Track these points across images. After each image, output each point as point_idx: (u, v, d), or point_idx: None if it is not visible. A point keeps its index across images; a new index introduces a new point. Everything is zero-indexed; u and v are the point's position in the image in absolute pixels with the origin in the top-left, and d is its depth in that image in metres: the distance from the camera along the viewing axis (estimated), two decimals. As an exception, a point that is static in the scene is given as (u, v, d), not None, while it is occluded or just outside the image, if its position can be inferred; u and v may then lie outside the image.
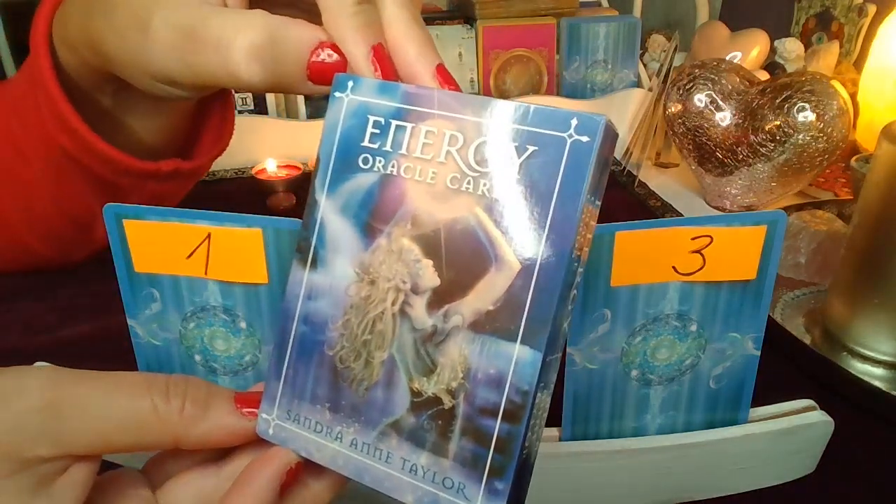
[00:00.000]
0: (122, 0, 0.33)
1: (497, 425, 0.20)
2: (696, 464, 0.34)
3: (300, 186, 0.66)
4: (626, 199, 0.68)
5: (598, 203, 0.20)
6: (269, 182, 0.65)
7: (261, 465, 0.23)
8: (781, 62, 0.85)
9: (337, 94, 0.23)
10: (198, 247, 0.30)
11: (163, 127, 0.44)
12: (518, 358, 0.20)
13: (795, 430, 0.33)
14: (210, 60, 0.29)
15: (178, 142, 0.46)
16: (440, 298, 0.21)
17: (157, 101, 0.40)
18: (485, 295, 0.20)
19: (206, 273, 0.31)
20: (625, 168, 0.72)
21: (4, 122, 0.44)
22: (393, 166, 0.22)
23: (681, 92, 0.63)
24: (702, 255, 0.30)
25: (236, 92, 0.78)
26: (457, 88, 0.24)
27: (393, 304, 0.21)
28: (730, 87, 0.62)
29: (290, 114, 0.80)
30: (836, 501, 0.35)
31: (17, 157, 0.44)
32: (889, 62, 0.70)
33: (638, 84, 0.85)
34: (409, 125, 0.22)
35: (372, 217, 0.22)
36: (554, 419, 0.33)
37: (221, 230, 0.30)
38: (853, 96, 0.67)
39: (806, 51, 0.87)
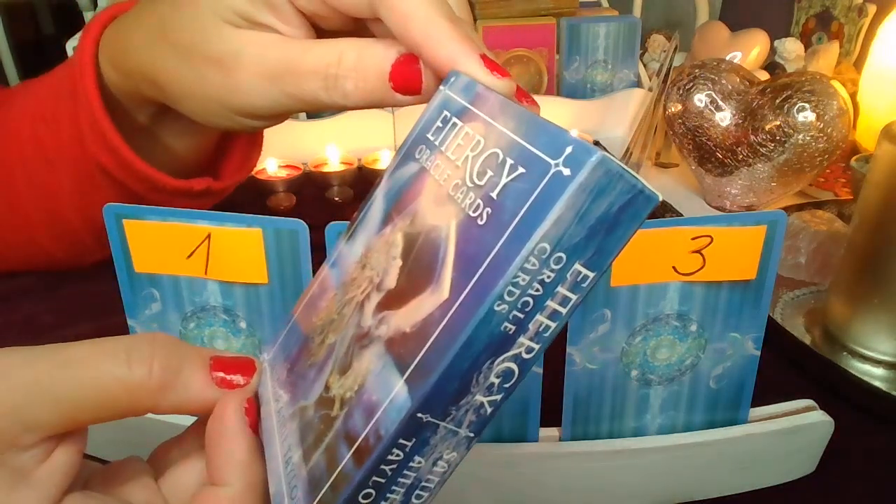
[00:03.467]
0: (196, 42, 0.34)
1: (345, 458, 0.18)
2: (696, 464, 0.34)
3: (300, 186, 0.66)
4: (626, 199, 0.68)
5: (584, 270, 0.16)
6: (269, 182, 0.65)
7: (221, 411, 0.22)
8: (781, 62, 0.85)
9: (441, 87, 0.23)
10: (198, 247, 0.30)
11: (194, 146, 0.45)
12: (394, 397, 0.17)
13: (795, 430, 0.33)
14: (314, 87, 0.31)
15: (206, 161, 0.48)
16: (386, 303, 0.19)
17: (192, 123, 0.41)
18: (411, 314, 0.18)
19: (206, 273, 0.31)
20: (625, 168, 0.72)
21: (31, 128, 0.44)
22: (430, 161, 0.21)
23: (681, 92, 0.63)
24: (702, 255, 0.30)
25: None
26: (504, 73, 0.24)
27: (362, 293, 0.21)
28: (730, 87, 0.62)
29: (290, 114, 0.80)
30: (836, 501, 0.35)
31: (45, 164, 0.44)
32: (889, 62, 0.70)
33: (638, 84, 0.84)
34: (459, 123, 0.21)
35: (394, 205, 0.22)
36: (554, 419, 0.33)
37: (221, 230, 0.30)
38: (853, 96, 0.67)
39: (806, 51, 0.87)
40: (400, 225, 0.20)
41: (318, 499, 0.18)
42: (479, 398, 0.17)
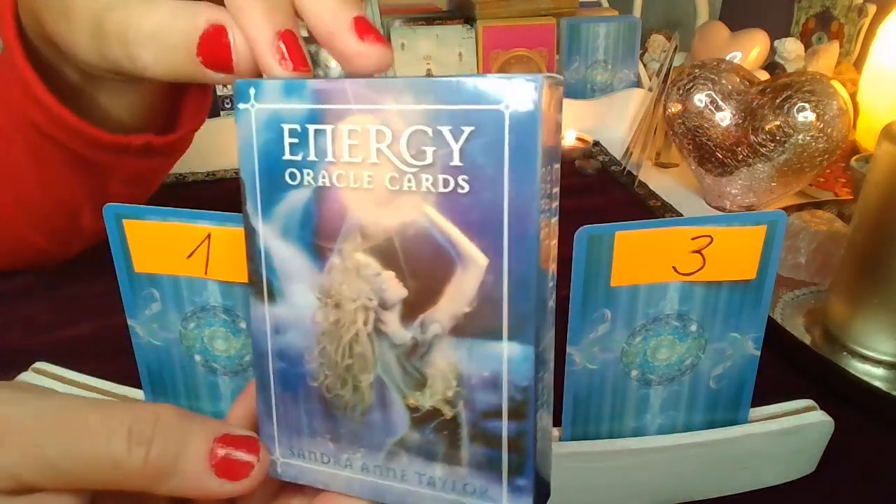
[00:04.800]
0: None
1: (505, 426, 0.19)
2: (696, 464, 0.34)
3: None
4: (626, 199, 0.68)
5: (557, 165, 0.19)
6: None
7: None
8: (781, 62, 0.85)
9: (241, 105, 0.20)
10: (198, 247, 0.30)
11: (136, 104, 0.43)
12: (510, 356, 0.19)
13: (795, 430, 0.33)
14: (117, 52, 0.28)
15: (158, 121, 0.45)
16: (412, 309, 0.20)
17: (122, 81, 0.39)
18: (458, 297, 0.19)
19: (206, 273, 0.31)
20: (625, 168, 0.72)
21: None
22: (324, 177, 0.19)
23: (681, 92, 0.63)
24: (702, 255, 0.30)
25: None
26: (380, 39, 0.22)
27: (365, 323, 0.20)
28: (730, 87, 0.62)
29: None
30: (836, 501, 0.35)
31: (4, 143, 0.43)
32: (889, 62, 0.70)
33: (638, 84, 0.85)
34: (328, 127, 0.19)
35: (317, 236, 0.20)
36: (554, 419, 0.33)
37: (221, 230, 0.30)
38: (853, 96, 0.67)
39: (806, 51, 0.87)
40: (349, 248, 0.20)
41: (507, 468, 0.20)
42: (549, 303, 0.19)
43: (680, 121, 0.64)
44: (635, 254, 0.30)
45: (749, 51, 0.82)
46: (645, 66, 0.90)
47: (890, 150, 0.40)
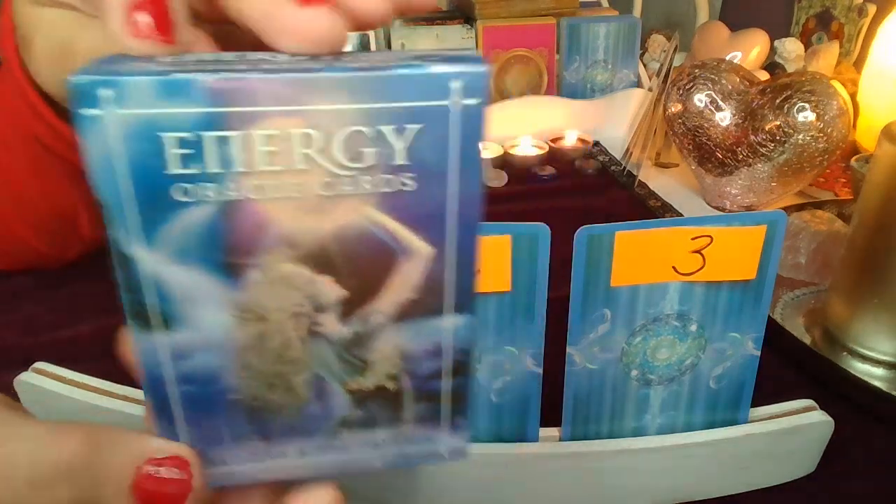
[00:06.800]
0: (15, 19, 0.32)
1: (449, 383, 0.20)
2: (696, 464, 0.34)
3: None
4: (626, 199, 0.68)
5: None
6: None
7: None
8: (781, 62, 0.85)
9: (87, 111, 0.15)
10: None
11: None
12: (455, 327, 0.20)
13: (795, 430, 0.33)
14: None
15: None
16: (352, 306, 0.19)
17: None
18: (401, 287, 0.19)
19: (205, 273, 0.31)
20: (625, 168, 0.72)
21: None
22: (232, 190, 0.17)
23: (681, 92, 0.63)
24: (702, 255, 0.30)
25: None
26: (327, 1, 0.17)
27: (296, 329, 0.19)
28: (730, 87, 0.62)
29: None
30: (836, 501, 0.35)
31: (4, 150, 0.44)
32: (889, 62, 0.70)
33: (638, 84, 0.85)
34: (235, 133, 0.16)
35: (228, 254, 0.18)
36: (554, 419, 0.33)
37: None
38: (853, 96, 0.67)
39: (806, 51, 0.87)
40: (272, 261, 0.18)
41: (450, 414, 0.21)
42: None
43: (680, 121, 0.64)
44: (635, 254, 0.30)
45: (749, 51, 0.83)
46: (645, 66, 0.90)
47: (890, 150, 0.40)
